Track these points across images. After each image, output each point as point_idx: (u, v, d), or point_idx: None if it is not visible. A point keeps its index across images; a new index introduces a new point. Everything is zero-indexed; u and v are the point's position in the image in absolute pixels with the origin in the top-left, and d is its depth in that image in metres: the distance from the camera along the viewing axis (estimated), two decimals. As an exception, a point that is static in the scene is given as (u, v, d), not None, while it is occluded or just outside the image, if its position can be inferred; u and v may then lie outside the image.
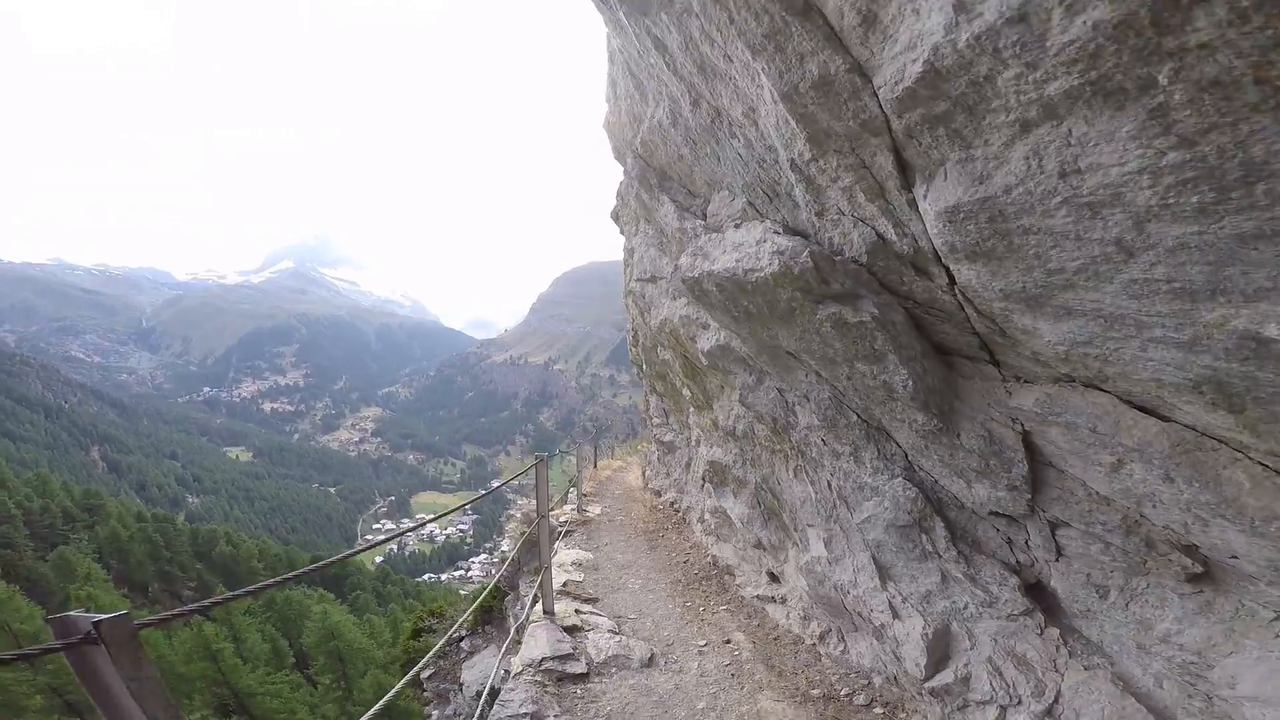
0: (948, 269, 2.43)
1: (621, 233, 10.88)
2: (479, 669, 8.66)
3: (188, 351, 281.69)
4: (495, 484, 5.01)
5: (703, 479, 8.01)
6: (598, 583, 7.30)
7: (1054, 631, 3.19)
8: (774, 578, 6.46)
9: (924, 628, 3.53)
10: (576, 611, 6.21)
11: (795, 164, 2.67)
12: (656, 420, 12.00)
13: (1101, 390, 2.36)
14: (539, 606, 6.00)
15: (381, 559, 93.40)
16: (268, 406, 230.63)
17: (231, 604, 29.81)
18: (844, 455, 3.91)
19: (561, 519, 10.17)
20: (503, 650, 5.64)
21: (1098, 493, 2.63)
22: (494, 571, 16.71)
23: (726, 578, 7.28)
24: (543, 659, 4.87)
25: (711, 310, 3.83)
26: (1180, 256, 1.60)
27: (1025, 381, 2.75)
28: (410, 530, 3.60)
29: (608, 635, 5.56)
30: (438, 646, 3.90)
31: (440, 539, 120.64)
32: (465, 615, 5.82)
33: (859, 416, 3.66)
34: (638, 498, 12.02)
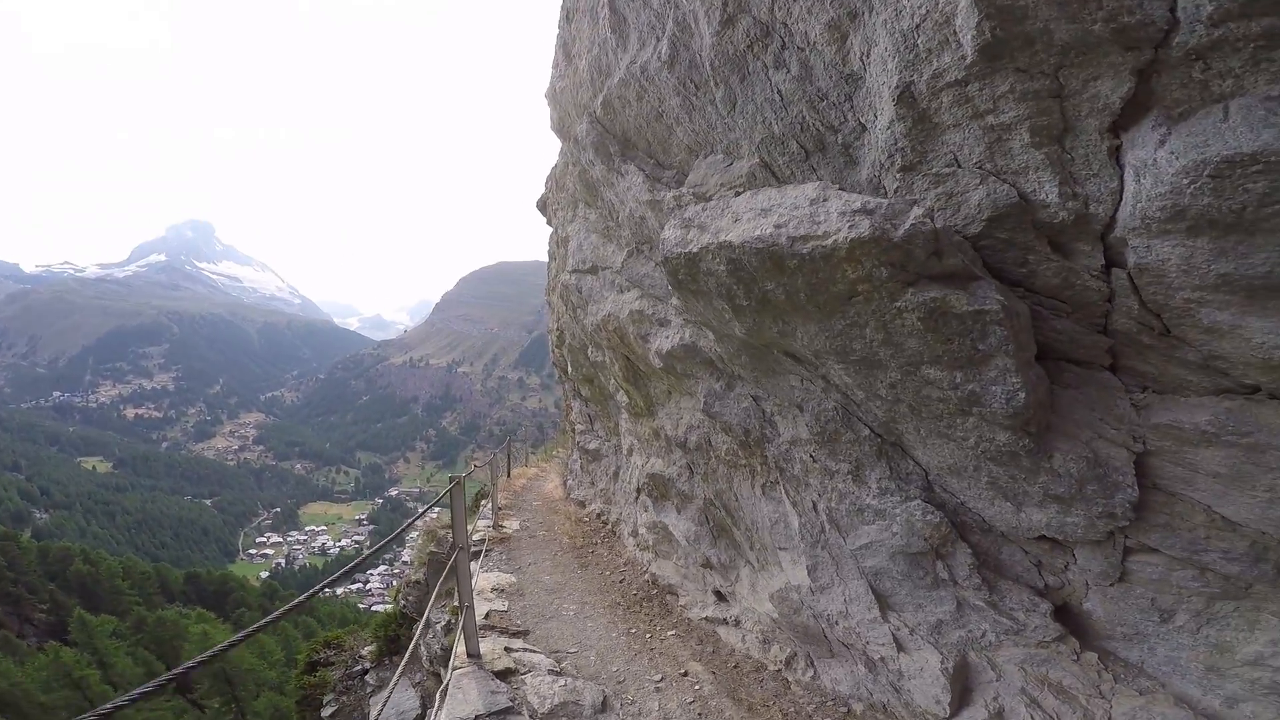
0: (1108, 247, 1.94)
1: (549, 223, 10.12)
2: (391, 704, 7.71)
3: (34, 352, 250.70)
4: (405, 525, 4.19)
5: (638, 491, 7.40)
6: (526, 611, 6.52)
7: (1092, 656, 2.86)
8: (721, 597, 5.95)
9: (942, 661, 3.12)
10: (507, 650, 5.44)
11: (911, 91, 2.12)
12: (580, 426, 11.27)
13: None
14: (461, 648, 5.16)
15: (267, 574, 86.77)
16: (131, 413, 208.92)
17: (94, 627, 28.26)
18: (840, 474, 3.40)
19: (475, 536, 9.23)
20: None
21: (1225, 519, 2.27)
22: (395, 584, 15.35)
23: (669, 598, 6.70)
24: (476, 718, 4.08)
25: (696, 298, 3.21)
26: None
27: (1164, 394, 2.32)
28: (375, 552, 3.13)
29: (549, 677, 4.83)
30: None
31: (334, 551, 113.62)
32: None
33: (872, 431, 3.16)
34: (559, 509, 11.21)
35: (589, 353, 8.01)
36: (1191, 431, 2.19)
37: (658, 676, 4.98)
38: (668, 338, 4.43)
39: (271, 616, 1.96)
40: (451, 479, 4.69)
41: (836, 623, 3.66)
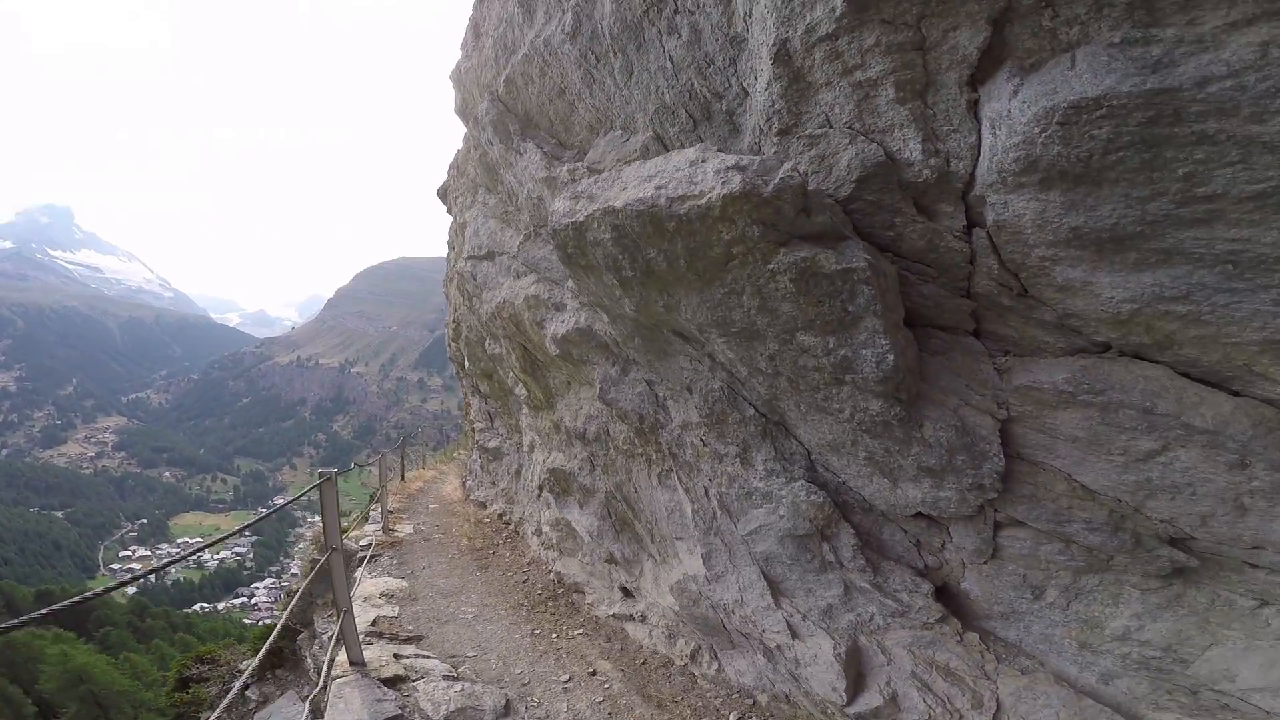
0: (969, 207, 1.98)
1: (449, 212, 9.72)
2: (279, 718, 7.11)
3: None
4: (278, 501, 3.82)
5: (540, 488, 7.20)
6: (419, 616, 6.19)
7: (974, 637, 2.96)
8: (628, 593, 5.88)
9: (835, 647, 3.14)
10: (396, 656, 5.11)
11: (787, 49, 2.11)
12: (479, 425, 10.88)
13: (1152, 361, 2.04)
14: (342, 656, 4.80)
15: (134, 590, 79.02)
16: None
17: None
18: (729, 457, 3.39)
19: (363, 541, 8.68)
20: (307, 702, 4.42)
21: (1085, 487, 2.36)
22: (283, 598, 14.24)
23: (576, 596, 6.55)
24: (361, 727, 3.78)
25: (586, 274, 3.09)
26: None
27: (1024, 356, 2.38)
28: (177, 561, 2.77)
29: (444, 683, 4.57)
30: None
31: (212, 565, 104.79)
32: (249, 670, 4.47)
33: (756, 410, 3.16)
34: (458, 511, 10.77)
35: (486, 345, 7.72)
36: (1050, 392, 2.28)
37: (565, 677, 4.83)
38: (563, 322, 4.29)
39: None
40: (320, 474, 4.33)
41: (733, 612, 3.64)
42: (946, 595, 3.16)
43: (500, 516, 9.75)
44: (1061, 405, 2.27)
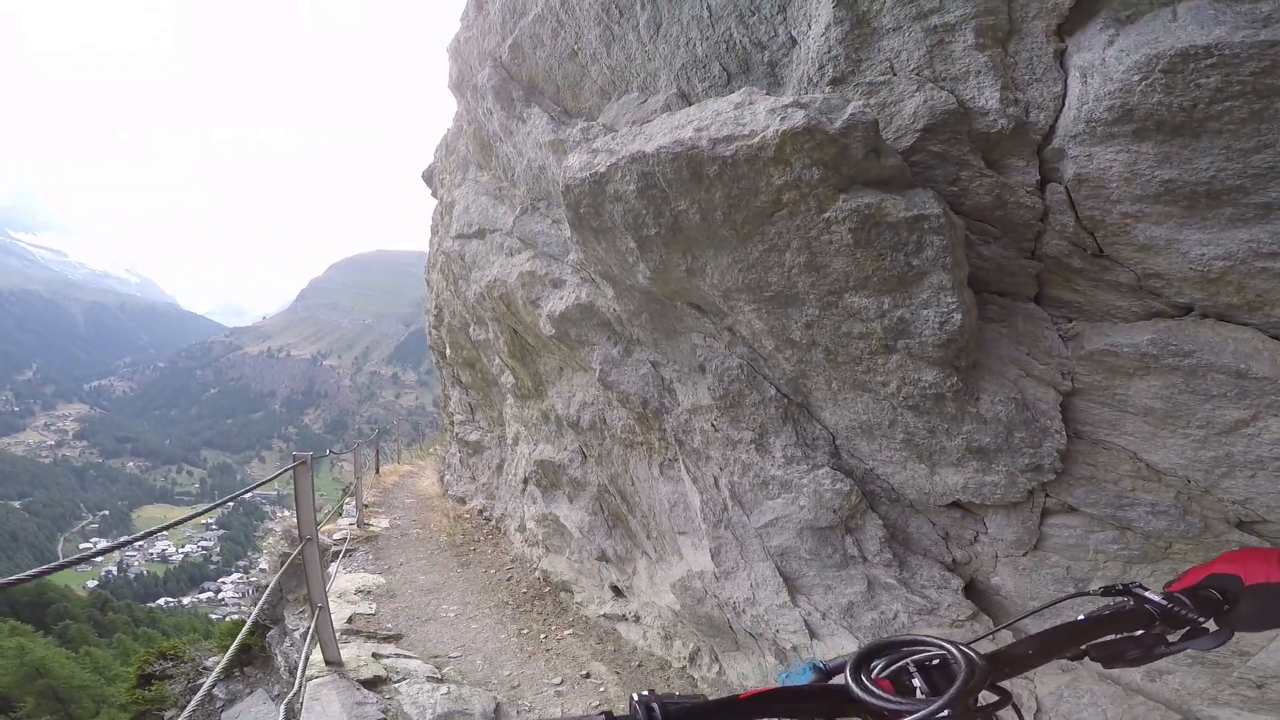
0: (1043, 161, 1.80)
1: (435, 194, 9.40)
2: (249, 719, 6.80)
3: None
4: (241, 491, 3.54)
5: (525, 482, 6.94)
6: (398, 613, 5.91)
7: (1006, 635, 2.73)
8: (619, 592, 5.66)
9: (859, 647, 2.91)
10: (375, 656, 4.84)
11: None
12: (460, 417, 10.55)
13: (1239, 324, 1.92)
14: (317, 655, 4.51)
15: (96, 583, 76.62)
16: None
17: None
18: (743, 444, 3.16)
19: (336, 535, 8.34)
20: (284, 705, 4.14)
21: (1151, 466, 2.19)
22: (252, 593, 13.75)
23: (564, 595, 6.31)
24: (339, 733, 3.51)
25: (598, 238, 2.85)
26: None
27: (1094, 320, 2.20)
28: (119, 546, 2.45)
29: (428, 685, 4.31)
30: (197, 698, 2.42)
31: (176, 558, 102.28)
32: (217, 671, 4.12)
33: (778, 390, 2.93)
34: (436, 506, 10.46)
35: (470, 331, 7.43)
36: (1130, 357, 2.10)
37: (557, 679, 4.61)
38: (561, 299, 4.03)
39: None
40: (295, 457, 4.03)
41: (744, 610, 3.43)
42: (974, 591, 2.98)
43: (481, 512, 9.46)
44: (1140, 372, 2.09)
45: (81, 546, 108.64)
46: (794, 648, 3.27)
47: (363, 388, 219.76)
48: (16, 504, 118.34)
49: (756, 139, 2.05)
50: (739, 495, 3.30)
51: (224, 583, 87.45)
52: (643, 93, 3.02)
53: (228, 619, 8.85)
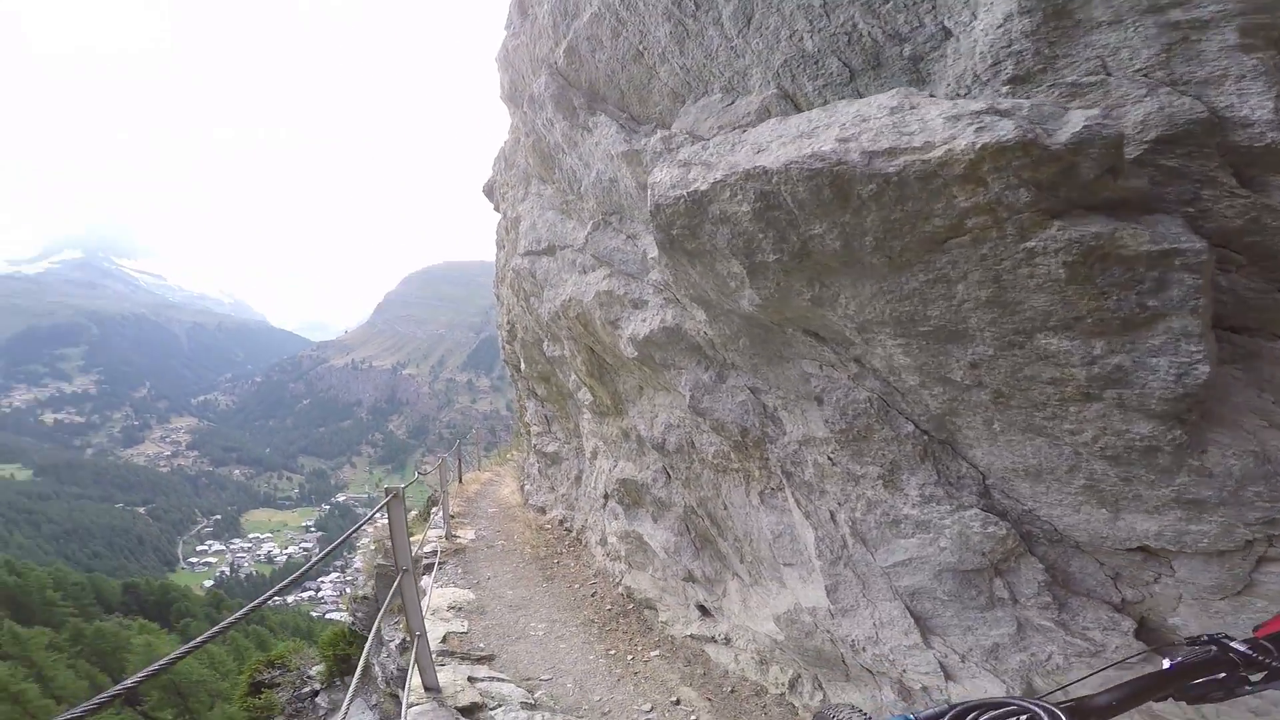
0: None
1: (497, 209, 9.35)
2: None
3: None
4: (340, 499, 3.46)
5: (605, 497, 6.77)
6: (489, 631, 5.84)
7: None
8: (706, 612, 5.40)
9: (1007, 690, 2.59)
10: (470, 680, 4.77)
11: None
12: (536, 428, 10.50)
13: None
14: (416, 680, 4.47)
15: (211, 583, 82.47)
16: (50, 418, 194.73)
17: (27, 640, 27.01)
18: (867, 479, 2.82)
19: (427, 548, 8.42)
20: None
21: None
22: (347, 593, 14.24)
23: (648, 613, 6.10)
24: (442, 768, 3.41)
25: (692, 262, 2.57)
26: None
27: None
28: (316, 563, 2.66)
29: (523, 713, 4.20)
30: None
31: (281, 559, 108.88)
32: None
33: (916, 427, 2.57)
34: (518, 516, 10.46)
35: (544, 347, 7.30)
36: None
37: (647, 706, 4.40)
38: (644, 321, 3.77)
39: (219, 627, 1.79)
40: (388, 491, 3.96)
41: (863, 649, 3.11)
42: (1144, 630, 2.58)
43: (561, 523, 9.38)
44: None
45: (198, 549, 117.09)
46: (924, 688, 2.94)
47: (440, 394, 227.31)
48: (141, 510, 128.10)
49: (936, 153, 1.69)
50: (861, 533, 2.97)
51: (322, 582, 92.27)
52: (728, 94, 2.71)
53: (331, 619, 9.09)
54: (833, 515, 3.06)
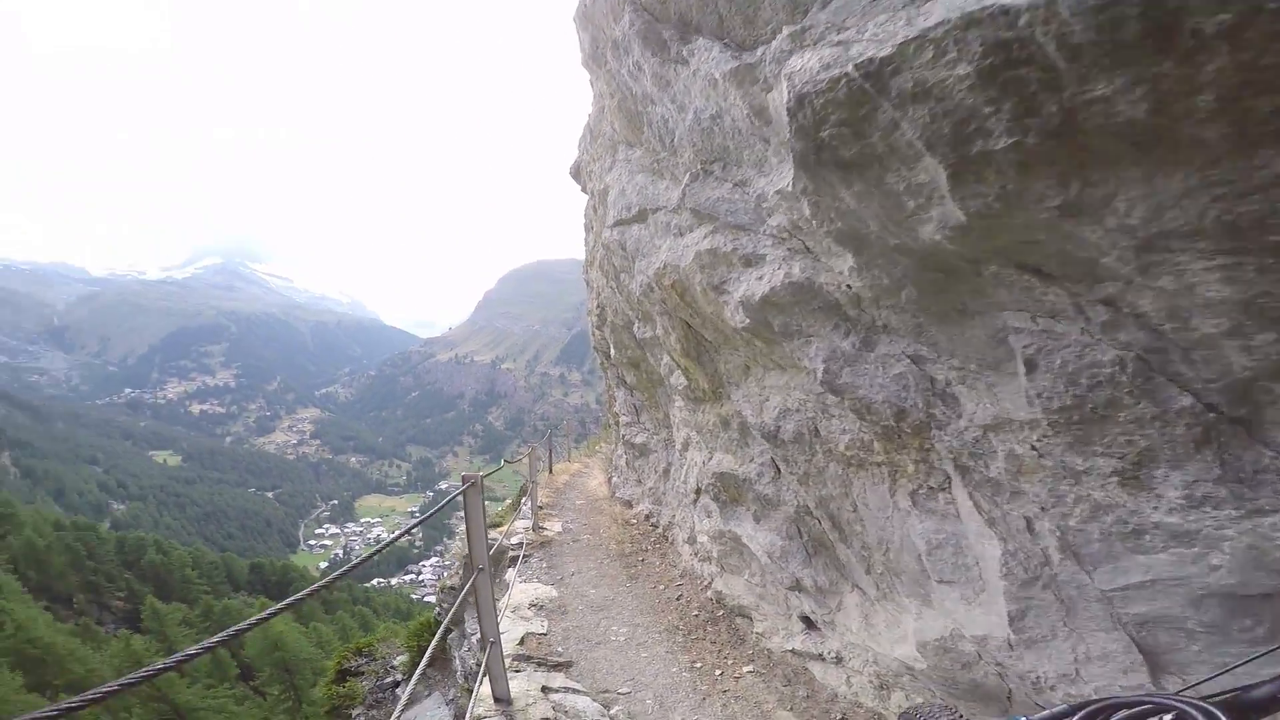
0: None
1: (585, 189, 8.95)
2: (424, 723, 6.77)
3: (106, 351, 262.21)
4: (443, 486, 3.08)
5: (697, 492, 6.17)
6: (568, 634, 5.41)
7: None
8: (811, 624, 4.71)
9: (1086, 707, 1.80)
10: (544, 690, 4.33)
11: None
12: (625, 418, 10.04)
13: None
14: (485, 689, 4.08)
15: (326, 564, 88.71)
16: (196, 408, 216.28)
17: (164, 615, 29.85)
18: (1095, 475, 2.03)
19: (514, 539, 8.16)
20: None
21: None
22: (442, 585, 14.44)
23: (740, 621, 5.48)
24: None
25: (845, 179, 1.84)
26: None
27: None
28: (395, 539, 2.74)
29: (597, 733, 3.68)
30: None
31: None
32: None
33: (1197, 400, 1.76)
34: (604, 509, 10.07)
35: (634, 329, 6.79)
36: None
37: (740, 732, 3.80)
38: (761, 279, 3.07)
39: (276, 608, 1.63)
40: (464, 479, 3.54)
41: (1051, 686, 2.35)
42: None
43: (647, 518, 8.89)
44: None
45: (316, 532, 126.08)
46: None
47: (535, 388, 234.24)
48: (270, 494, 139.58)
49: None
50: (1075, 546, 2.20)
51: (424, 565, 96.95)
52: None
53: (414, 620, 9.01)
54: (1030, 524, 2.31)
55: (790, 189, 2.25)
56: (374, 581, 79.66)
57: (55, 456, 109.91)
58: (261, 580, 47.93)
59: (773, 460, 4.24)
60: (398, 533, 2.85)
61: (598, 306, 9.21)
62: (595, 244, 7.79)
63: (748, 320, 3.22)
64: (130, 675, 1.16)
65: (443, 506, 3.52)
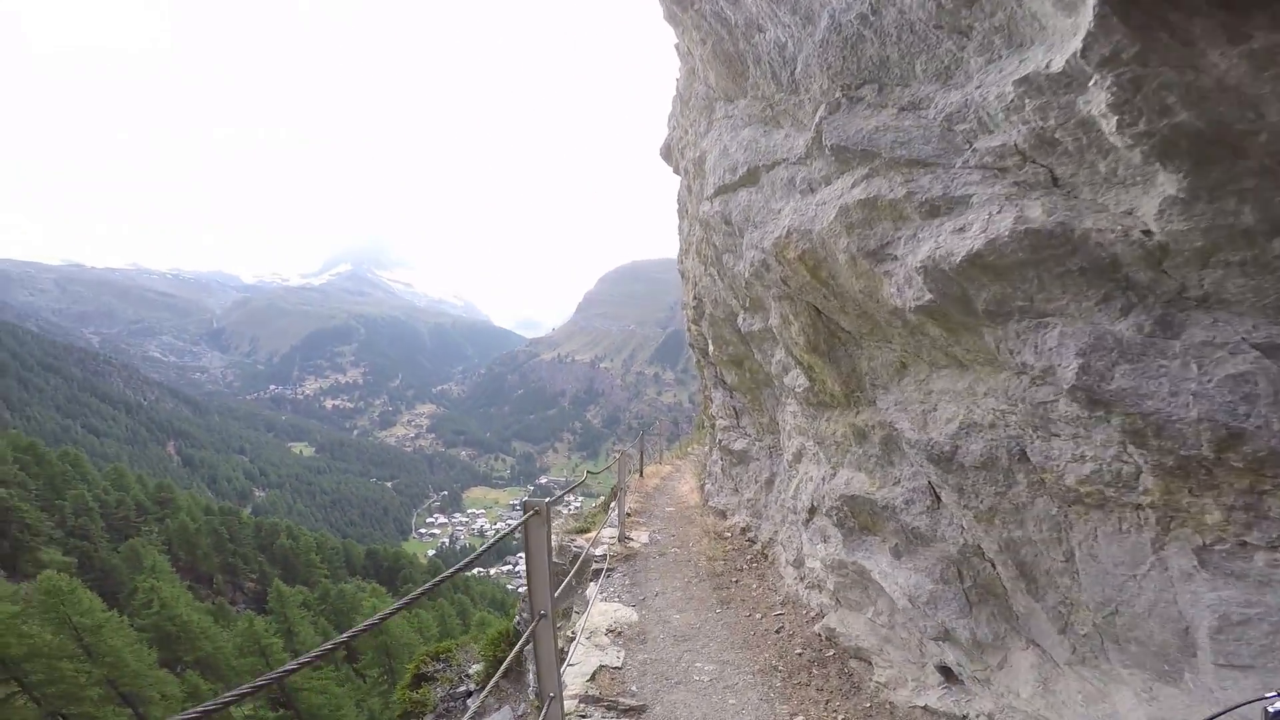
0: None
1: (676, 170, 8.09)
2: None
3: (255, 351, 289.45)
4: (543, 480, 2.35)
5: (811, 511, 5.14)
6: (645, 669, 4.59)
7: None
8: (951, 677, 3.62)
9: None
10: (613, 745, 3.48)
11: None
12: (723, 421, 9.03)
13: None
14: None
15: (433, 553, 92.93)
16: (329, 403, 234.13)
17: (287, 597, 31.57)
18: None
19: (599, 548, 7.42)
20: None
21: None
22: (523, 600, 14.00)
23: (856, 665, 4.45)
24: None
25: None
26: None
27: None
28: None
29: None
30: None
31: (490, 533, 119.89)
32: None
33: None
34: (694, 519, 9.13)
35: (738, 321, 5.84)
36: None
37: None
38: (964, 231, 2.02)
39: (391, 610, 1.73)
40: (525, 507, 2.77)
41: None
42: None
43: (744, 531, 7.86)
44: None
45: (427, 521, 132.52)
46: None
47: (630, 386, 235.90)
48: (389, 484, 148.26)
49: None
50: None
51: (521, 556, 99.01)
52: None
53: (492, 629, 8.48)
54: None
55: (1078, 61, 1.27)
56: (475, 571, 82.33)
57: (210, 446, 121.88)
58: (375, 565, 50.44)
59: (930, 486, 3.18)
60: (462, 561, 2.14)
61: (694, 299, 8.30)
62: (691, 227, 6.91)
63: (928, 296, 2.19)
64: (264, 676, 1.36)
65: (503, 538, 2.78)
